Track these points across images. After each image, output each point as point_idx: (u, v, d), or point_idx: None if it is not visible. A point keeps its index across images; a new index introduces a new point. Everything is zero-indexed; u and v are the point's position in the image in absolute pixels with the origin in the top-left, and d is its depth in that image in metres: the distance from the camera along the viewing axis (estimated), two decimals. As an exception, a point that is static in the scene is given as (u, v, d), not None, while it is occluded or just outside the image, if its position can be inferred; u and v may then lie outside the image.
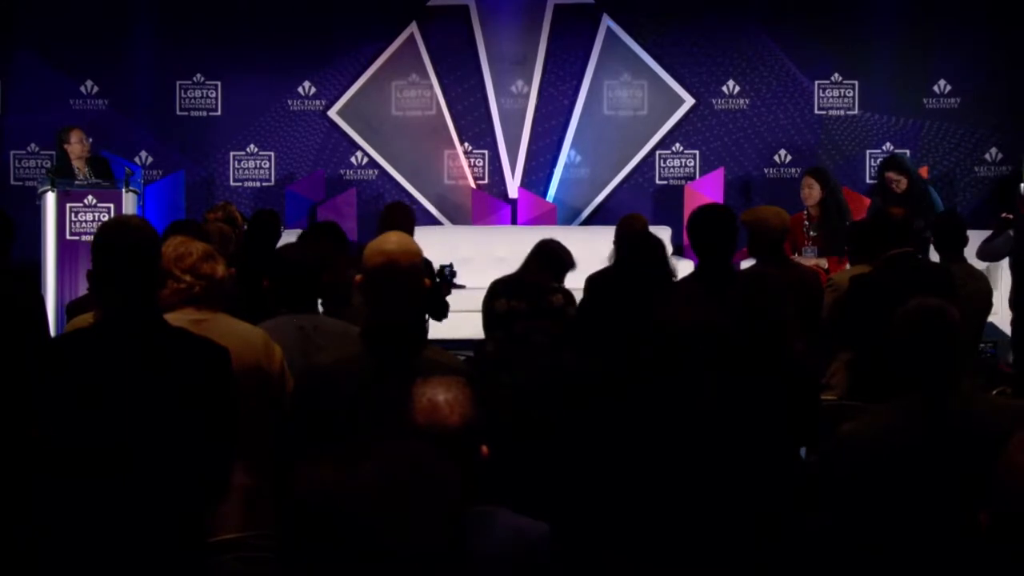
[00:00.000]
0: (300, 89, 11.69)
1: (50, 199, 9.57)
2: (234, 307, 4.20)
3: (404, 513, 2.68)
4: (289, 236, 9.94)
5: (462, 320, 9.60)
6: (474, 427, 2.87)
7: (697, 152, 11.65)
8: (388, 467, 2.73)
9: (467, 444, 2.85)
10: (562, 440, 3.65)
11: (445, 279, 7.51)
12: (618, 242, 7.14)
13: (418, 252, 3.63)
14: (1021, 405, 3.88)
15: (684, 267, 9.68)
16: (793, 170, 11.38)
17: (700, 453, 3.60)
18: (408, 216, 7.66)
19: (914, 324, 3.48)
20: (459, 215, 11.69)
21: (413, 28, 11.65)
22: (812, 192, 9.18)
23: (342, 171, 11.74)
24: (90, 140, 10.32)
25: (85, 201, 9.61)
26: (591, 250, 9.85)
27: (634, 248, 5.87)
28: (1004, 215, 9.25)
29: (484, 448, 2.89)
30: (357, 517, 2.65)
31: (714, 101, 11.65)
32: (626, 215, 7.50)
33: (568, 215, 11.59)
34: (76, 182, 9.86)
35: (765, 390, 3.91)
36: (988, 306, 6.94)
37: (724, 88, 11.64)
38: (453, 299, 9.97)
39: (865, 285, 6.13)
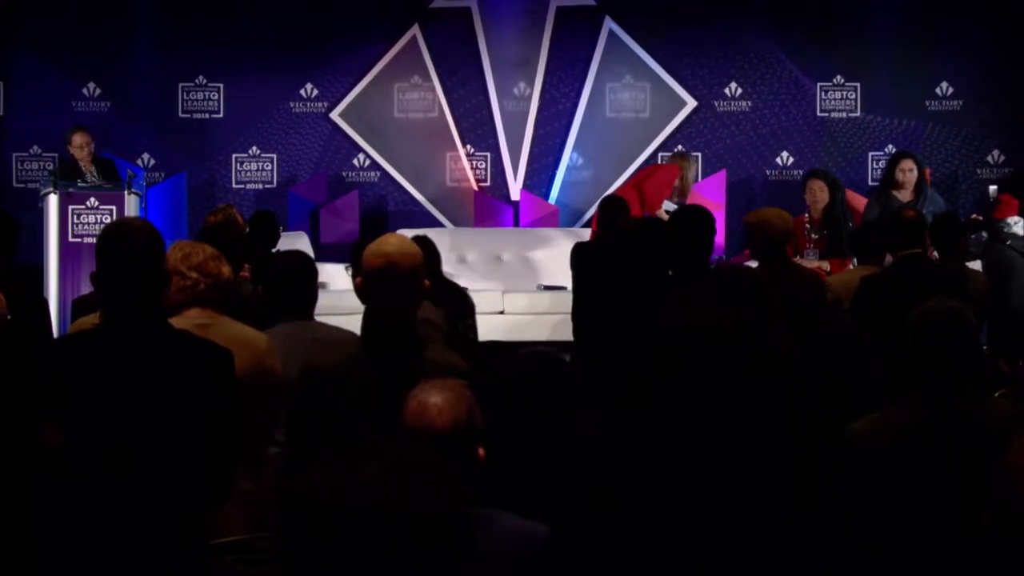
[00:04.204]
0: (302, 91, 11.69)
1: (52, 201, 9.57)
2: (242, 309, 4.20)
3: (409, 515, 2.68)
4: (290, 237, 9.98)
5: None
6: (466, 429, 2.86)
7: (699, 154, 11.64)
8: (392, 469, 2.73)
9: (460, 447, 2.84)
10: (561, 439, 3.64)
11: None
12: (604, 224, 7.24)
13: (417, 253, 3.63)
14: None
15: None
16: (795, 172, 11.38)
17: (699, 452, 3.60)
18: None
19: (931, 324, 3.47)
20: (461, 217, 11.69)
21: (415, 30, 11.65)
22: (823, 195, 9.24)
23: (344, 173, 11.74)
24: (92, 144, 10.30)
25: (87, 203, 9.61)
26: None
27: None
28: (974, 216, 9.38)
29: (481, 451, 2.88)
30: (361, 519, 2.65)
31: (716, 103, 11.64)
32: (606, 196, 7.55)
33: (570, 217, 11.58)
34: (82, 184, 9.86)
35: (757, 389, 3.92)
36: (986, 306, 6.97)
37: (726, 90, 11.64)
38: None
39: (876, 286, 6.14)
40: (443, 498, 2.76)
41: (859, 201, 10.55)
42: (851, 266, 7.92)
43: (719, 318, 4.05)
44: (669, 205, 9.88)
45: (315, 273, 4.91)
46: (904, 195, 9.51)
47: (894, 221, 6.63)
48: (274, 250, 8.13)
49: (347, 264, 5.63)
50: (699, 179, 10.94)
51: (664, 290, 5.53)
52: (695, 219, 5.74)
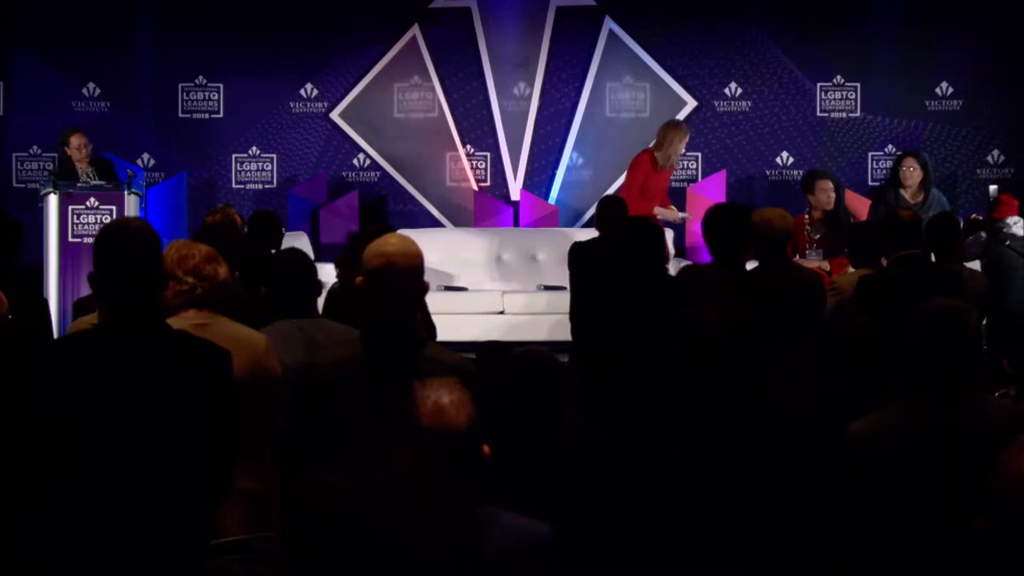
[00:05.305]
0: (302, 91, 11.69)
1: (52, 201, 9.58)
2: (239, 309, 4.20)
3: (416, 516, 2.68)
4: (290, 237, 9.98)
5: (463, 322, 9.63)
6: (477, 427, 2.87)
7: (699, 154, 11.65)
8: (399, 470, 2.73)
9: (471, 445, 2.85)
10: (553, 438, 3.64)
11: None
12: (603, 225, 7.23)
13: (418, 253, 3.64)
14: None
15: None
16: (795, 172, 11.38)
17: (700, 452, 3.60)
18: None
19: (932, 324, 3.47)
20: (461, 217, 11.69)
21: (415, 30, 11.65)
22: (832, 196, 9.27)
23: (344, 173, 11.74)
24: (90, 146, 10.32)
25: (87, 203, 9.62)
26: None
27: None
28: (973, 216, 9.43)
29: (486, 448, 2.89)
30: (369, 520, 2.65)
31: (716, 103, 11.65)
32: (605, 195, 7.54)
33: (570, 217, 11.59)
34: (78, 184, 9.87)
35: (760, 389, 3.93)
36: (985, 306, 6.97)
37: (726, 90, 11.64)
38: (455, 301, 10.00)
39: (874, 285, 6.13)
40: (450, 499, 2.76)
41: (859, 201, 10.56)
42: (851, 269, 7.92)
43: (736, 317, 4.06)
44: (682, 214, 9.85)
45: (315, 270, 4.94)
46: (908, 194, 9.61)
47: (889, 222, 6.62)
48: (273, 250, 8.12)
49: (335, 262, 5.72)
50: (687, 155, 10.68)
51: (675, 288, 5.56)
52: (725, 216, 5.77)
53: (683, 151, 10.12)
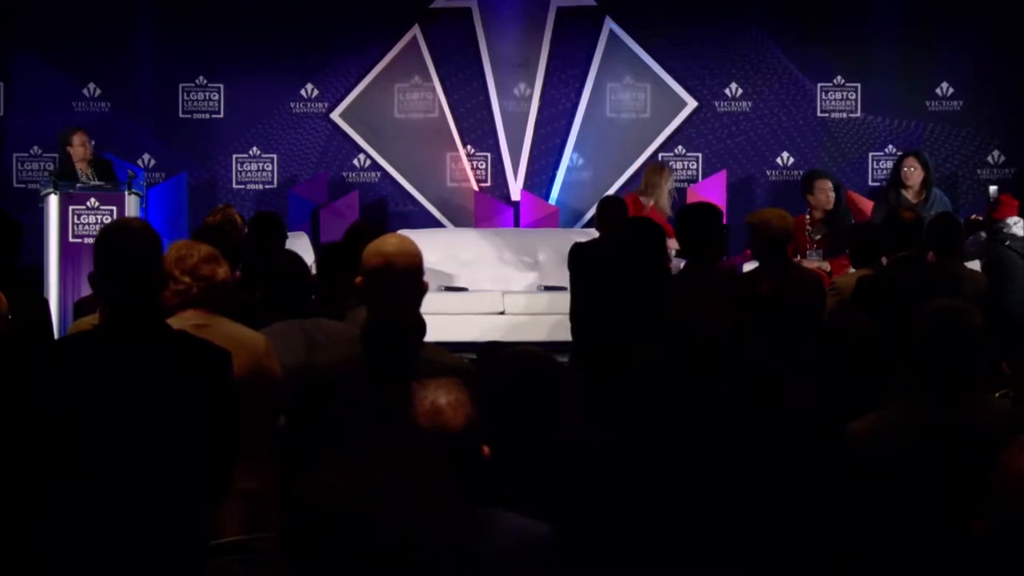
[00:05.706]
0: (303, 91, 11.70)
1: (53, 202, 9.59)
2: (238, 310, 4.21)
3: (415, 516, 2.68)
4: (290, 238, 9.97)
5: (463, 322, 9.63)
6: (475, 428, 2.87)
7: (700, 155, 11.65)
8: (398, 471, 2.74)
9: (469, 445, 2.86)
10: (549, 437, 3.64)
11: None
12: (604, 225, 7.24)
13: (417, 253, 3.64)
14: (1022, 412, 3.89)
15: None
16: (796, 172, 11.37)
17: (699, 452, 3.60)
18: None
19: (935, 324, 3.47)
20: (462, 217, 11.69)
21: (416, 31, 11.66)
22: (832, 196, 9.27)
23: (345, 173, 11.74)
24: (92, 142, 10.34)
25: (88, 204, 9.63)
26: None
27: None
28: (973, 217, 9.45)
29: (485, 448, 2.89)
30: (368, 520, 2.65)
31: (717, 104, 11.65)
32: (605, 196, 7.54)
33: (570, 218, 11.59)
34: (79, 184, 9.88)
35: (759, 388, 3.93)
36: (985, 306, 6.97)
37: (727, 91, 11.64)
38: (455, 301, 10.01)
39: (873, 286, 6.14)
40: (448, 499, 2.76)
41: (862, 202, 10.56)
42: (851, 269, 7.93)
43: (726, 317, 4.06)
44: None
45: (309, 271, 4.98)
46: (910, 194, 9.62)
47: (890, 223, 6.64)
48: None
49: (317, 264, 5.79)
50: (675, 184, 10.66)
51: (671, 287, 5.55)
52: (699, 216, 5.76)
53: (670, 190, 10.10)
